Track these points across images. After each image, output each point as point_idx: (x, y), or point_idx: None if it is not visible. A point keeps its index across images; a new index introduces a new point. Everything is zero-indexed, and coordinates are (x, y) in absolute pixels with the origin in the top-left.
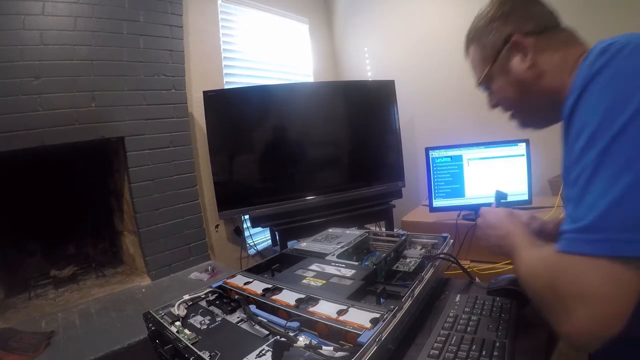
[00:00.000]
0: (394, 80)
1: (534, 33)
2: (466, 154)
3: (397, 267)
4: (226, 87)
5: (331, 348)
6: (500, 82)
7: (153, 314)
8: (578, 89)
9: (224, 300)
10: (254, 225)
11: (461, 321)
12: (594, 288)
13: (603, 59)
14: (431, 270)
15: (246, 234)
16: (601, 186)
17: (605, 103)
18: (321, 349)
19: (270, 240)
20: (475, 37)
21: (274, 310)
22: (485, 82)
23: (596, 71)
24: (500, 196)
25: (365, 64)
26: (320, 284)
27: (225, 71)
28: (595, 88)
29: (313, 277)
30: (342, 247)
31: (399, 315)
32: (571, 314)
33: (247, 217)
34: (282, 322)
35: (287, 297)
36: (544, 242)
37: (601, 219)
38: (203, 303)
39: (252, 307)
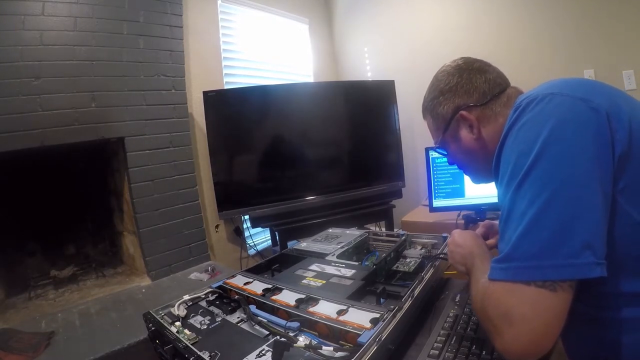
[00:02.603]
0: (393, 81)
1: (479, 104)
2: None
3: (397, 267)
4: (226, 87)
5: (331, 348)
6: (454, 147)
7: (153, 314)
8: (499, 143)
9: (224, 300)
10: (254, 226)
11: (461, 321)
12: (515, 310)
13: (515, 115)
14: (431, 270)
15: (246, 234)
16: (515, 223)
17: (517, 151)
18: (321, 349)
19: (270, 241)
20: (428, 107)
21: (274, 310)
22: (441, 146)
23: (510, 125)
24: (470, 221)
25: (365, 64)
26: (320, 284)
27: (225, 71)
28: (509, 140)
29: (313, 277)
30: (342, 247)
31: (399, 315)
32: (501, 334)
33: (247, 217)
34: (282, 322)
35: (287, 297)
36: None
37: (512, 249)
38: (203, 303)
39: (252, 307)
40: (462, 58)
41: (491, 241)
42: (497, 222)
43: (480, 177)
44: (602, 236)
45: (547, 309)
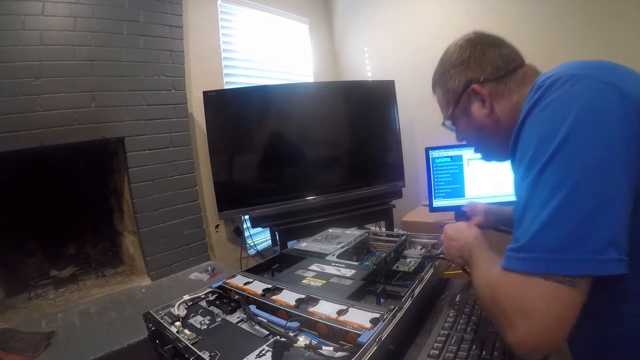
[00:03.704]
0: (393, 80)
1: (492, 79)
2: (466, 154)
3: (397, 267)
4: (226, 87)
5: (331, 348)
6: (463, 123)
7: (153, 314)
8: (519, 123)
9: (224, 300)
10: (254, 226)
11: (461, 321)
12: (530, 303)
13: (537, 94)
14: (431, 270)
15: (246, 234)
16: (534, 211)
17: (539, 134)
18: (321, 349)
19: (270, 241)
20: (439, 81)
21: (274, 310)
22: (450, 121)
23: (532, 106)
24: (459, 214)
25: (365, 64)
26: (320, 284)
27: (225, 71)
28: (530, 121)
29: (313, 277)
30: (342, 247)
31: (399, 315)
32: (513, 327)
33: (247, 217)
34: (282, 322)
35: (287, 297)
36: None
37: (532, 240)
38: (203, 303)
39: (252, 307)
40: (474, 32)
41: (475, 220)
42: (479, 203)
43: (490, 155)
44: (625, 231)
45: (563, 305)
